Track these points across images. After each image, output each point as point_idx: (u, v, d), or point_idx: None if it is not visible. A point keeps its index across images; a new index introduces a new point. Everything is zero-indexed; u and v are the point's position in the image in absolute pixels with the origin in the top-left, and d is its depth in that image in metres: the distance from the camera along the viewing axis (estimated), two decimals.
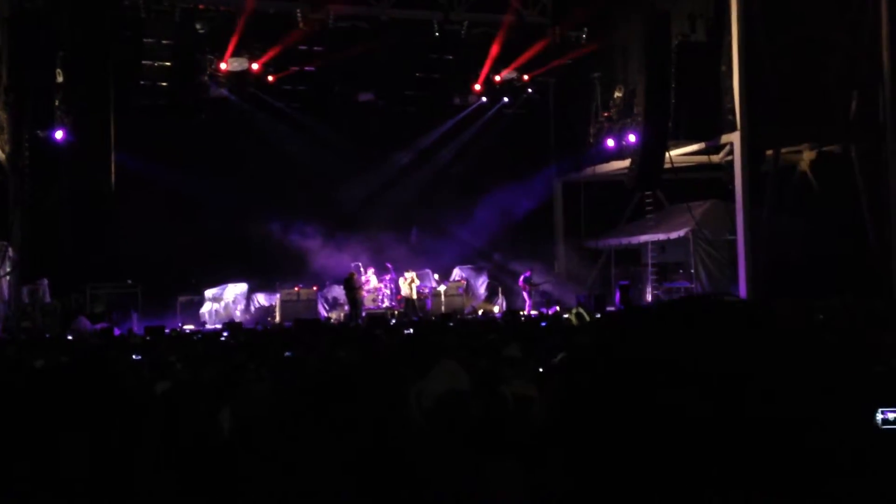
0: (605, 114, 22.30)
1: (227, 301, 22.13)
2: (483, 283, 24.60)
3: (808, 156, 20.23)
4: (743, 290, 18.36)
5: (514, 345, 6.27)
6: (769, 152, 19.26)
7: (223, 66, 21.66)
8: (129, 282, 21.05)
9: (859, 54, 18.97)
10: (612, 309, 20.44)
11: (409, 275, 22.23)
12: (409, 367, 6.15)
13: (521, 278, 23.19)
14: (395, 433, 2.40)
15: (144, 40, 20.83)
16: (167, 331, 17.14)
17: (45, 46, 17.02)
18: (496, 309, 22.94)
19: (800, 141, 19.87)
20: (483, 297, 24.29)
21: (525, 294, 23.13)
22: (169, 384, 5.61)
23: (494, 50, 23.35)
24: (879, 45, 19.00)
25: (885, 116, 19.15)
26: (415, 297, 22.11)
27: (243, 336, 13.80)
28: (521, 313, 20.33)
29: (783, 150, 19.60)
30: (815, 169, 20.00)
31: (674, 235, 21.35)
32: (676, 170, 20.28)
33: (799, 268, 17.08)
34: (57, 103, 17.58)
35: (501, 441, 2.66)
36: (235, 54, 21.63)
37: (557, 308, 21.28)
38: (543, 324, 13.92)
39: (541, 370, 6.35)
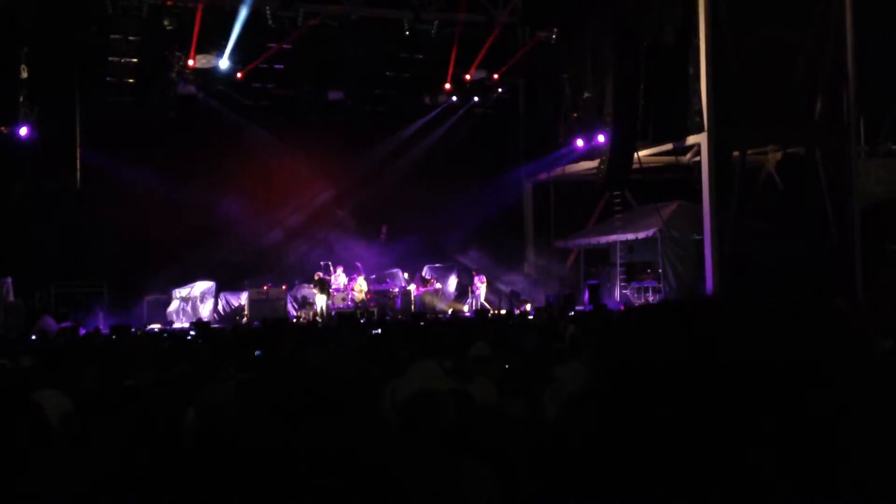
0: (575, 114, 22.37)
1: (194, 300, 21.90)
2: (453, 282, 24.60)
3: (773, 157, 20.49)
4: (710, 289, 18.53)
5: (482, 343, 6.27)
6: (735, 153, 19.47)
7: (191, 62, 21.42)
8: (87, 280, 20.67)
9: (824, 57, 19.25)
10: (581, 308, 20.55)
11: (361, 281, 22.10)
12: (378, 367, 6.14)
13: (477, 279, 23.11)
14: (367, 432, 2.39)
15: (111, 36, 20.54)
16: (133, 330, 16.97)
17: (8, 42, 16.75)
18: (466, 308, 22.94)
19: (766, 142, 20.11)
20: (453, 296, 24.28)
21: (476, 292, 23.01)
22: (132, 383, 5.55)
23: (464, 49, 23.33)
24: (844, 47, 19.30)
25: (850, 118, 19.47)
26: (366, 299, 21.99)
27: (211, 335, 13.67)
28: (490, 312, 20.34)
29: (749, 152, 19.83)
30: (780, 170, 20.26)
31: (642, 235, 21.49)
32: (645, 170, 20.43)
33: (764, 267, 17.28)
34: (21, 99, 17.30)
35: (474, 442, 2.65)
36: (203, 51, 21.39)
37: (527, 307, 21.35)
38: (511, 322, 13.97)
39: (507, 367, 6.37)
